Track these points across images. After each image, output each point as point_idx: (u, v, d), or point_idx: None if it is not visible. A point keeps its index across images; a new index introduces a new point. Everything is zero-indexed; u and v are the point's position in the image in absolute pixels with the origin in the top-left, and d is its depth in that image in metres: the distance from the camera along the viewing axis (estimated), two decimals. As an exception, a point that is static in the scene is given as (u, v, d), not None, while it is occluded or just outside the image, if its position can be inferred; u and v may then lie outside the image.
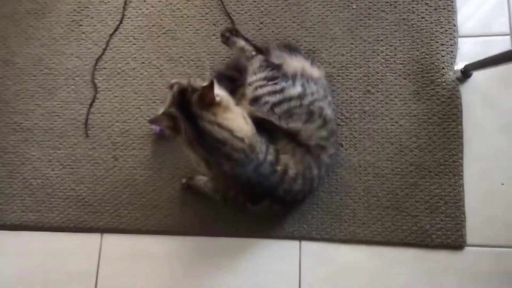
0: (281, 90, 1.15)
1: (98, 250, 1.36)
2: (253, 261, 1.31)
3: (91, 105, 1.46)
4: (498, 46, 1.37)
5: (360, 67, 1.39)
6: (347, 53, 1.41)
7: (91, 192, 1.40)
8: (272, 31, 1.45)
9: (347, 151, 1.35)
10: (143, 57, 1.48)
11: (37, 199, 1.41)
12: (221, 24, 1.48)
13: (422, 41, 1.39)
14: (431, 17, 1.40)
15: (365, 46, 1.41)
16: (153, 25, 1.51)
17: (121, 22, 1.52)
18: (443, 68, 1.36)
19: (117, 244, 1.36)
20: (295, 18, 1.45)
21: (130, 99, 1.46)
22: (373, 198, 1.31)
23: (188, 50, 1.47)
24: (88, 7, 1.55)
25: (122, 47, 1.50)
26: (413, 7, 1.42)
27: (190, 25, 1.49)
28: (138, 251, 1.35)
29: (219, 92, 1.06)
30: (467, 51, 1.38)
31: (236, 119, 1.06)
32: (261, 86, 1.16)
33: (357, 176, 1.33)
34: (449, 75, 1.35)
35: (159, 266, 1.33)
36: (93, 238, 1.37)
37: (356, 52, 1.41)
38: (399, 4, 1.42)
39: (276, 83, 1.16)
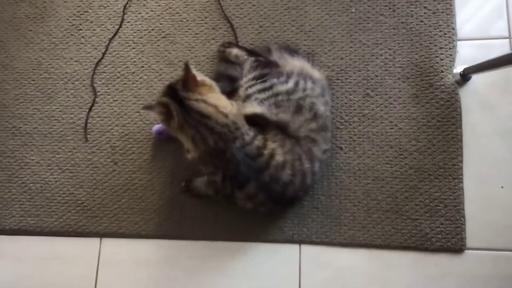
0: (270, 87, 1.19)
1: (97, 255, 1.36)
2: (253, 265, 1.31)
3: (90, 109, 1.46)
4: (497, 50, 1.37)
5: (359, 71, 1.40)
6: (346, 56, 1.41)
7: (90, 197, 1.40)
8: (271, 35, 1.45)
9: (347, 154, 1.35)
10: (143, 61, 1.49)
11: (36, 204, 1.41)
12: (220, 28, 1.48)
13: (421, 44, 1.39)
14: (430, 21, 1.40)
15: (364, 50, 1.41)
16: (153, 29, 1.51)
17: (120, 27, 1.52)
18: (442, 72, 1.36)
19: (116, 249, 1.36)
20: (294, 21, 1.46)
21: (129, 103, 1.46)
22: (373, 202, 1.31)
23: (188, 54, 1.47)
24: (87, 12, 1.55)
25: (122, 51, 1.50)
26: (412, 11, 1.42)
27: (189, 29, 1.49)
28: (138, 256, 1.35)
29: (200, 75, 1.14)
30: (466, 55, 1.38)
31: (220, 98, 1.15)
32: (250, 86, 1.22)
33: (356, 180, 1.33)
34: (448, 78, 1.35)
35: (159, 270, 1.33)
36: (92, 243, 1.37)
37: (355, 56, 1.41)
38: (398, 8, 1.43)
39: (265, 81, 1.21)
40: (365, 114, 1.37)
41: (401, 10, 1.43)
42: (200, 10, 1.51)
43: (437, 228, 1.28)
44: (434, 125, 1.33)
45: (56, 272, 1.35)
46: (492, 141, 1.32)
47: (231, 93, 1.26)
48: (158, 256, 1.34)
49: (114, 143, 1.43)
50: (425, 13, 1.41)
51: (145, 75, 1.47)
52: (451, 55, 1.37)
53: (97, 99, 1.47)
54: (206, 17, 1.50)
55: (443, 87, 1.35)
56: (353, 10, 1.44)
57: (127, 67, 1.49)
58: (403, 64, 1.39)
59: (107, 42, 1.51)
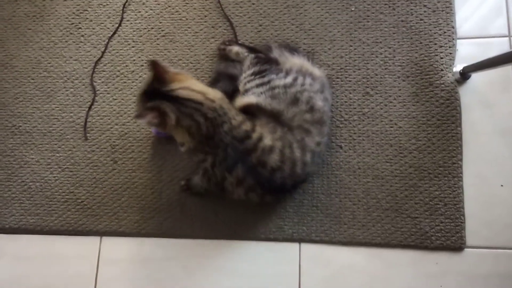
0: (268, 82, 1.20)
1: (97, 253, 1.36)
2: (253, 263, 1.31)
3: (90, 108, 1.46)
4: (497, 48, 1.37)
5: (359, 69, 1.40)
6: (346, 55, 1.41)
7: (90, 195, 1.40)
8: (271, 33, 1.45)
9: (346, 153, 1.35)
10: (142, 60, 1.48)
11: (36, 203, 1.41)
12: (220, 26, 1.48)
13: (421, 43, 1.39)
14: (430, 19, 1.40)
15: (363, 48, 1.41)
16: (152, 28, 1.51)
17: (120, 25, 1.52)
18: (442, 70, 1.36)
19: (116, 247, 1.36)
20: (294, 20, 1.46)
21: (129, 102, 1.46)
22: (373, 200, 1.31)
23: (187, 52, 1.47)
24: (87, 10, 1.55)
25: (121, 49, 1.50)
26: (412, 9, 1.42)
27: (189, 27, 1.49)
28: (138, 254, 1.35)
29: (168, 66, 1.15)
30: (466, 53, 1.38)
31: (202, 85, 1.17)
32: (249, 81, 1.23)
33: (356, 178, 1.33)
34: (448, 77, 1.35)
35: (159, 269, 1.33)
36: (92, 241, 1.37)
37: (355, 54, 1.41)
38: (398, 6, 1.43)
39: (263, 76, 1.22)
40: (365, 113, 1.37)
41: (401, 9, 1.43)
42: (200, 8, 1.51)
43: (436, 227, 1.28)
44: (434, 124, 1.33)
45: (56, 271, 1.35)
46: (491, 140, 1.32)
47: (232, 93, 1.26)
48: (158, 255, 1.34)
49: (113, 141, 1.43)
50: (424, 11, 1.41)
51: (145, 73, 1.47)
52: (450, 53, 1.37)
53: (96, 97, 1.47)
54: (205, 16, 1.50)
55: (442, 85, 1.35)
56: (352, 9, 1.44)
57: (126, 65, 1.49)
58: (403, 62, 1.39)
59: (107, 40, 1.51)
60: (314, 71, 1.27)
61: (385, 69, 1.39)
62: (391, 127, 1.35)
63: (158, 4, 1.53)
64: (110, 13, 1.54)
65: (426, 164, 1.31)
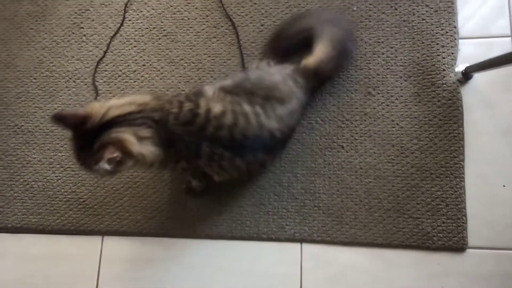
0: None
1: (99, 253, 1.36)
2: (254, 263, 1.31)
3: (92, 107, 1.46)
4: (499, 48, 1.37)
5: (361, 69, 1.39)
6: (348, 55, 1.41)
7: (92, 195, 1.40)
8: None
9: (348, 153, 1.35)
10: (144, 60, 1.49)
11: (38, 202, 1.41)
12: (222, 26, 1.48)
13: (423, 43, 1.39)
14: (432, 19, 1.40)
15: (365, 48, 1.41)
16: (154, 28, 1.51)
17: (121, 25, 1.52)
18: (444, 70, 1.36)
19: (118, 247, 1.36)
20: (295, 20, 1.45)
21: (131, 102, 1.45)
22: (374, 200, 1.31)
23: (189, 52, 1.47)
24: (89, 10, 1.55)
25: (123, 49, 1.50)
26: (414, 9, 1.42)
27: (190, 27, 1.49)
28: (139, 254, 1.35)
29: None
30: (468, 53, 1.38)
31: (122, 99, 1.07)
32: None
33: (358, 178, 1.33)
34: (450, 77, 1.35)
35: (160, 268, 1.33)
36: (94, 241, 1.37)
37: (356, 54, 1.41)
38: (400, 6, 1.43)
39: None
40: (367, 113, 1.37)
41: (403, 9, 1.42)
42: (202, 8, 1.51)
43: (438, 227, 1.28)
44: (436, 124, 1.33)
45: (58, 270, 1.36)
46: (493, 140, 1.32)
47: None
48: (159, 255, 1.34)
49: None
50: (427, 11, 1.41)
51: (147, 73, 1.47)
52: (452, 53, 1.37)
53: (98, 97, 1.47)
54: (207, 16, 1.50)
55: (444, 85, 1.35)
56: (354, 9, 1.44)
57: (128, 65, 1.49)
58: (405, 62, 1.39)
59: (109, 40, 1.51)
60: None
61: (387, 69, 1.39)
62: (393, 127, 1.35)
63: (160, 4, 1.53)
64: (112, 12, 1.54)
65: (428, 165, 1.31)
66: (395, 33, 1.41)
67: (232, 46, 1.46)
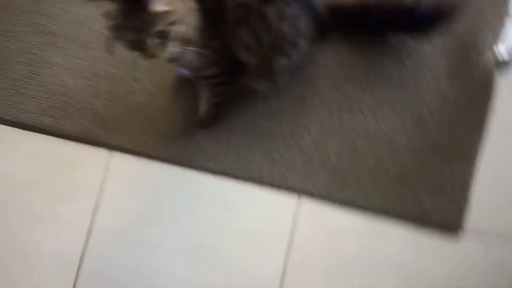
0: None
1: (104, 166, 1.38)
2: (250, 204, 1.34)
3: (118, 20, 1.43)
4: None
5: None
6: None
7: (106, 108, 1.40)
8: None
9: (366, 117, 1.32)
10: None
11: (52, 104, 1.42)
12: None
13: (468, 15, 1.31)
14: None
15: (408, 12, 1.34)
16: None
17: None
18: (483, 49, 1.30)
19: (124, 165, 1.38)
20: None
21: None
22: (381, 169, 1.31)
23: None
24: None
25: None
26: (468, -21, 1.33)
27: None
28: (144, 175, 1.38)
29: None
30: (514, 36, 1.31)
31: None
32: None
33: (370, 145, 1.32)
34: (488, 57, 1.29)
35: (162, 193, 1.36)
36: (102, 153, 1.39)
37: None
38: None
39: None
40: (393, 77, 1.33)
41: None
42: None
43: (438, 205, 1.28)
44: (462, 104, 1.29)
45: (63, 174, 1.39)
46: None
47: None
48: (164, 180, 1.37)
49: (136, 60, 1.41)
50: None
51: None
52: (496, 32, 1.29)
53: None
54: None
55: (480, 66, 1.29)
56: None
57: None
58: (444, 33, 1.32)
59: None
60: None
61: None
62: (417, 98, 1.31)
63: None
64: None
65: (443, 143, 1.29)
66: None
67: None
